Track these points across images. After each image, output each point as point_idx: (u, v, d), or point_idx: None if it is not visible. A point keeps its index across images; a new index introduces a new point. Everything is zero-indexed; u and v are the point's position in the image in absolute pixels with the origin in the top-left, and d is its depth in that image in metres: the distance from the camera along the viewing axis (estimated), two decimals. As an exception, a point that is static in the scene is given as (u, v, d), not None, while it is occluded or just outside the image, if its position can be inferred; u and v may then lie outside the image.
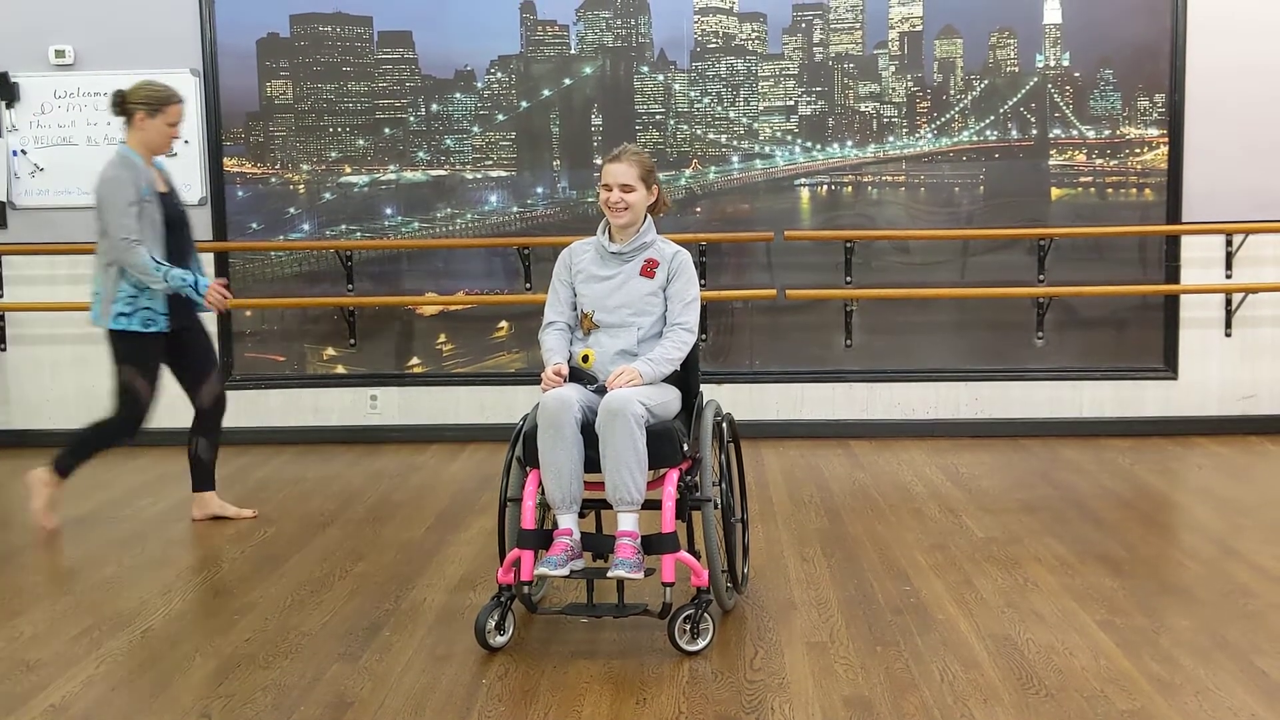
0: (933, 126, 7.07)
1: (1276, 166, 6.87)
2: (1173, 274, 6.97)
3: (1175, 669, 3.57)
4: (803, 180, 7.18)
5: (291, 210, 7.27)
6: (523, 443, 3.93)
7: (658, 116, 7.16)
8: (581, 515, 3.93)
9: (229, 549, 5.05)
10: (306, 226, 7.27)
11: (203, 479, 5.52)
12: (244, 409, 7.23)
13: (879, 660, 3.68)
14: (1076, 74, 6.98)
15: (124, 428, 5.23)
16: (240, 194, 7.24)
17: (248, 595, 4.44)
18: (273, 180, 7.26)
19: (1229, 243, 6.90)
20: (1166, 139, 6.94)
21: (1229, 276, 6.93)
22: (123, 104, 5.17)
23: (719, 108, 7.14)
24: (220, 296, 5.20)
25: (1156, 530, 5.17)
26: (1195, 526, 5.26)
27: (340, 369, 7.32)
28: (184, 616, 4.24)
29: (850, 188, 7.17)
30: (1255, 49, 6.82)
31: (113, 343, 5.18)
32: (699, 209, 7.17)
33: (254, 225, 7.26)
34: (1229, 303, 6.94)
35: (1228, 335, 6.98)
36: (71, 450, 5.29)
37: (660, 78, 7.13)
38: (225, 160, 7.21)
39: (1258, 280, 6.89)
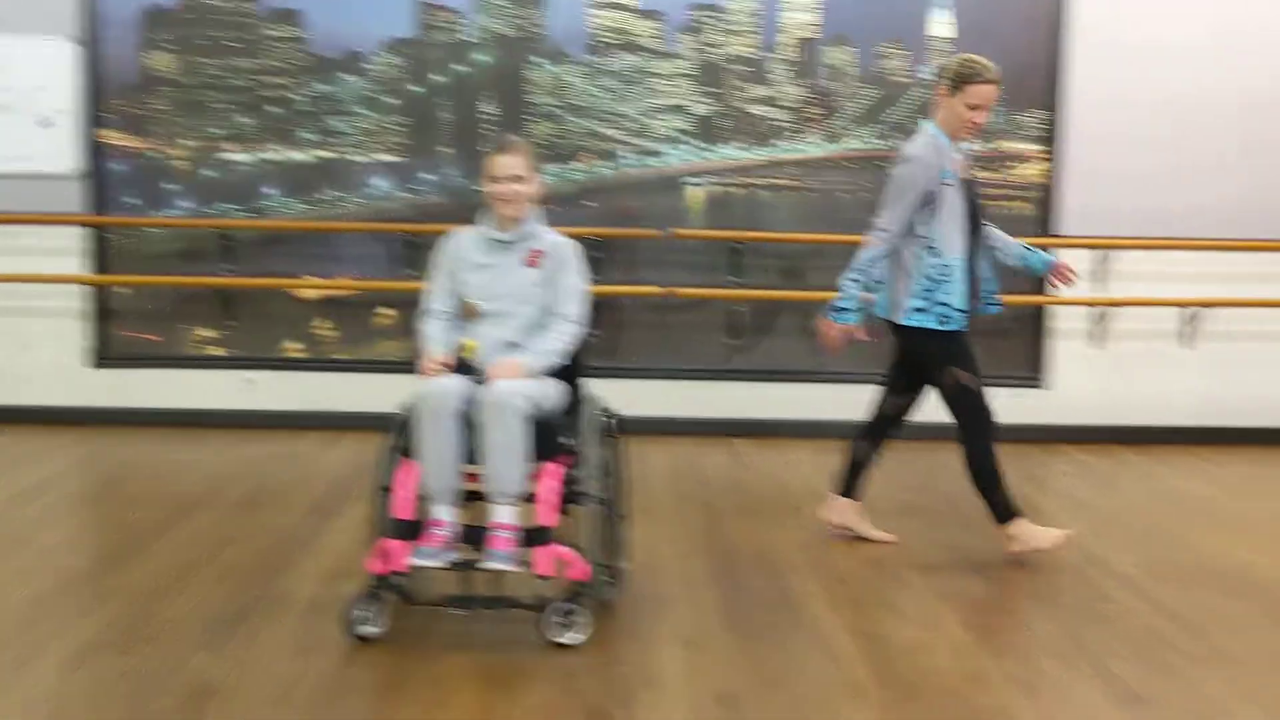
0: (821, 132, 7.17)
1: (1149, 185, 7.11)
2: (1044, 286, 7.17)
3: (1034, 669, 3.68)
4: (693, 179, 7.22)
5: (171, 186, 7.07)
6: (401, 432, 3.89)
7: (551, 109, 7.13)
8: (460, 506, 3.89)
9: (92, 532, 4.90)
10: (186, 203, 7.08)
11: (851, 485, 5.06)
12: (115, 389, 7.04)
13: (750, 656, 3.72)
14: (962, 87, 7.12)
15: (987, 422, 4.75)
16: (117, 168, 7.02)
17: (109, 580, 4.31)
18: (152, 155, 7.05)
19: (1100, 257, 7.13)
20: (1045, 154, 7.14)
21: (1099, 290, 7.16)
22: (943, 75, 4.64)
23: (613, 103, 7.14)
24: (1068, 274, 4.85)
25: (1022, 534, 5.31)
26: (1059, 532, 5.42)
27: (216, 351, 7.15)
28: (40, 601, 4.09)
29: (739, 189, 7.24)
30: (1134, 73, 7.04)
31: (913, 341, 4.77)
32: (590, 204, 7.16)
33: (131, 200, 7.05)
34: (1097, 315, 7.17)
35: (1096, 347, 7.21)
36: (985, 491, 4.74)
37: (554, 69, 7.10)
38: (102, 132, 6.99)
39: (1127, 295, 7.13)
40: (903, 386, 5.00)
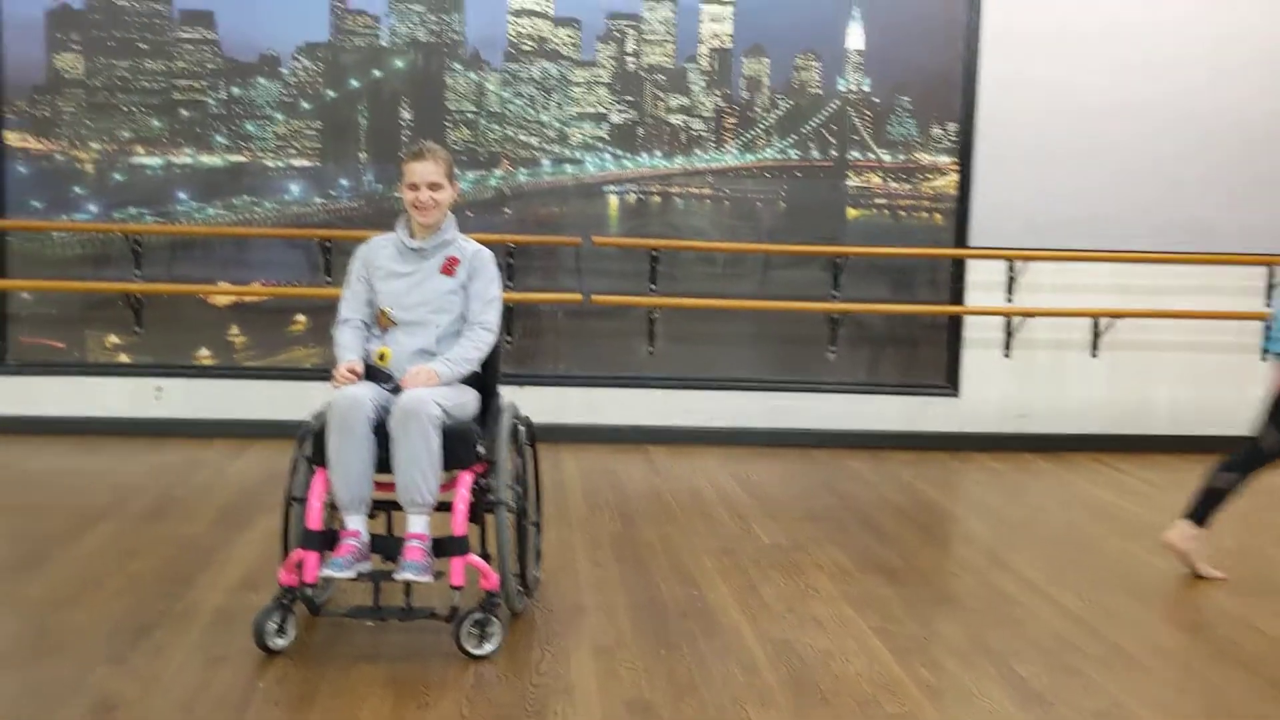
0: (738, 142, 7.23)
1: (1057, 198, 7.27)
2: (958, 296, 7.30)
3: (942, 674, 3.74)
4: (612, 187, 7.24)
5: (77, 189, 6.93)
6: (312, 441, 3.84)
7: (469, 115, 7.10)
8: (371, 516, 3.86)
9: (-9, 544, 4.77)
10: (93, 207, 6.94)
11: (1205, 512, 4.78)
12: (18, 397, 6.87)
13: (663, 664, 3.73)
14: (875, 99, 7.24)
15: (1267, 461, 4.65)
16: (22, 170, 6.87)
17: (9, 591, 4.20)
18: (58, 157, 6.91)
19: (1010, 268, 7.27)
20: (957, 166, 7.27)
21: (1009, 300, 7.30)
22: None
23: (531, 110, 7.14)
24: None
25: (932, 541, 5.41)
26: (968, 538, 5.52)
27: (123, 358, 7.01)
28: (-64, 615, 3.99)
29: (658, 197, 7.27)
30: (1043, 87, 7.20)
31: None
32: (508, 210, 7.15)
33: (35, 203, 6.89)
34: (1009, 325, 7.31)
35: (1006, 356, 7.35)
36: (1209, 495, 4.72)
37: (473, 76, 7.08)
38: (6, 134, 6.82)
39: (1035, 305, 7.28)
40: None
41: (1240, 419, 7.42)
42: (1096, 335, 7.32)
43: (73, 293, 6.93)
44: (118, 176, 6.96)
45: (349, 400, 3.74)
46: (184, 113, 6.96)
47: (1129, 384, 7.44)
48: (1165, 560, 4.97)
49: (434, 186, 4.01)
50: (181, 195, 6.99)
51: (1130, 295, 7.33)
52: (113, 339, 7.00)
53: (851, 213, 7.30)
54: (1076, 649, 3.97)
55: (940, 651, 3.93)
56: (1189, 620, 4.34)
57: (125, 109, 6.94)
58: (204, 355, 7.05)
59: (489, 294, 4.07)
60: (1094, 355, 7.36)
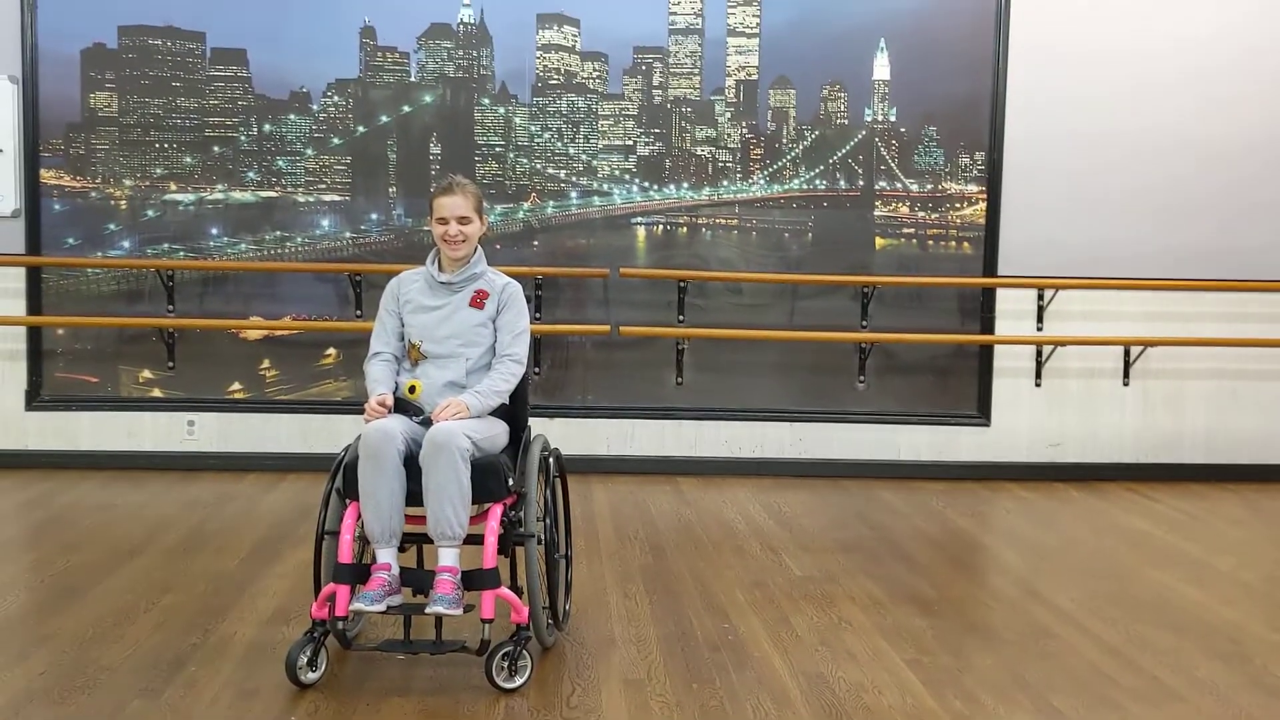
0: (765, 173, 7.25)
1: (1086, 225, 7.24)
2: (987, 325, 7.27)
3: (976, 707, 3.70)
4: (639, 219, 7.26)
5: (112, 226, 7.01)
6: (343, 474, 3.85)
7: (497, 148, 7.15)
8: (402, 549, 3.87)
9: (28, 577, 4.80)
10: (127, 243, 7.02)
11: None
12: (53, 431, 6.94)
13: (694, 697, 3.72)
14: (902, 129, 7.25)
15: None
16: (57, 207, 6.96)
17: (45, 626, 4.23)
18: (93, 194, 6.99)
19: (1040, 296, 7.24)
20: (985, 195, 7.25)
21: (1040, 329, 7.26)
22: None
23: (559, 143, 7.18)
24: None
25: (965, 572, 5.37)
26: (1001, 568, 5.47)
27: (156, 392, 7.06)
28: (-28, 649, 4.01)
29: (685, 228, 7.29)
30: (1070, 114, 7.19)
31: None
32: (536, 243, 7.18)
33: (71, 240, 6.98)
34: (1039, 354, 7.28)
35: (1037, 385, 7.31)
36: None
37: (501, 110, 7.14)
38: (42, 172, 6.92)
39: (1065, 333, 7.24)
40: None
41: (1274, 447, 7.39)
42: (1128, 363, 7.28)
43: (106, 328, 7.00)
44: (150, 213, 7.04)
45: (380, 433, 3.76)
46: (216, 149, 7.04)
47: (1161, 412, 7.38)
48: (1201, 590, 4.91)
49: (462, 220, 4.04)
50: (213, 231, 7.07)
51: (1161, 323, 7.28)
52: (146, 373, 7.06)
53: (879, 242, 7.29)
54: (1113, 681, 3.93)
55: (975, 684, 3.89)
56: (1226, 651, 4.28)
57: (158, 146, 7.02)
58: (236, 389, 7.10)
59: (518, 326, 4.09)
60: (1125, 383, 7.31)
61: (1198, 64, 7.23)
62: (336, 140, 7.08)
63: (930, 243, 7.31)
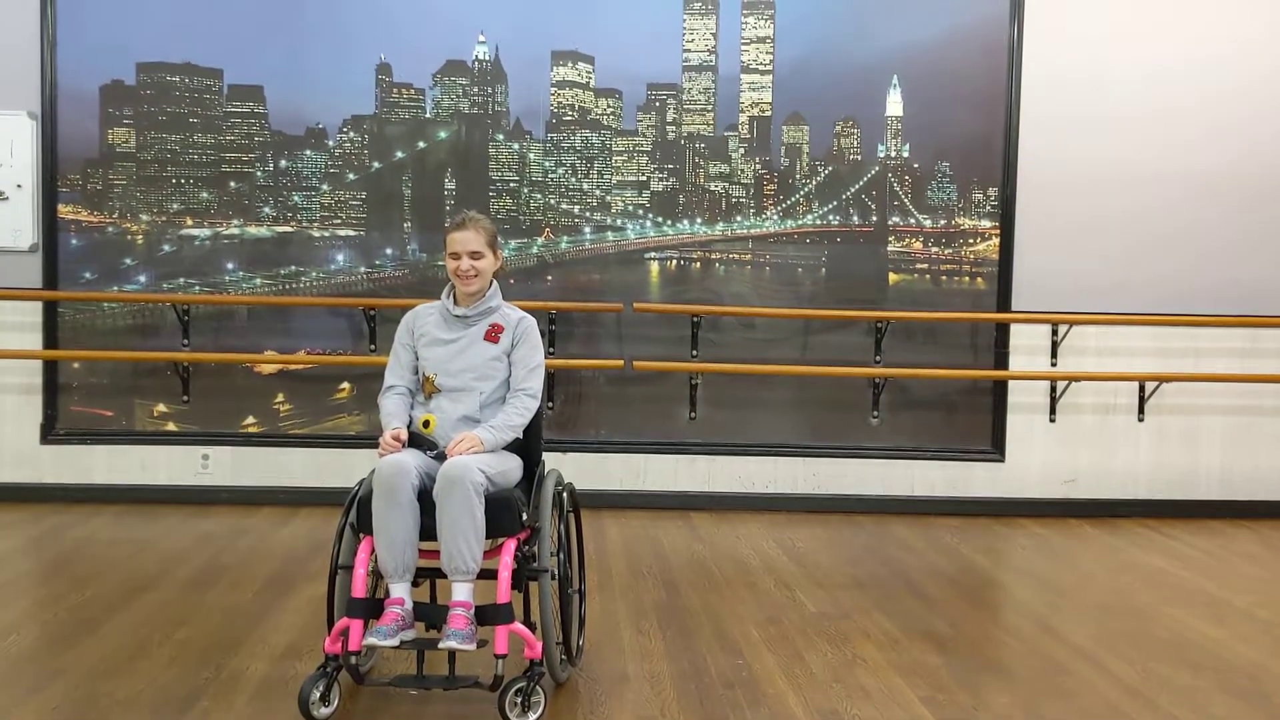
0: (779, 208, 7.27)
1: (1100, 262, 7.25)
2: (1001, 360, 7.26)
3: (993, 745, 3.67)
4: (653, 254, 7.29)
5: (128, 261, 7.06)
6: (357, 508, 3.85)
7: (512, 184, 7.19)
8: (415, 584, 3.86)
9: (40, 611, 4.80)
10: (143, 278, 7.06)
11: None
12: (67, 465, 6.96)
13: (708, 735, 3.69)
14: (915, 165, 7.27)
15: None
16: (74, 242, 7.01)
17: (58, 660, 4.22)
18: (109, 229, 7.04)
19: (1054, 332, 7.23)
20: (998, 230, 7.26)
21: (1054, 364, 7.25)
22: None
23: (573, 179, 7.22)
24: None
25: (980, 608, 5.33)
26: (1016, 605, 5.44)
27: (171, 426, 7.09)
28: (-14, 683, 4.01)
29: (698, 263, 7.30)
30: (1083, 150, 7.21)
31: None
32: (550, 277, 7.21)
33: (87, 274, 7.03)
34: (1053, 389, 7.26)
35: (1052, 421, 7.29)
36: None
37: (515, 146, 7.18)
38: (60, 207, 6.98)
39: (1080, 369, 7.22)
40: None
41: (1292, 484, 7.36)
42: (1142, 399, 7.26)
43: (121, 362, 7.03)
44: (167, 248, 7.08)
45: (394, 468, 3.76)
46: (232, 184, 7.09)
47: (1176, 448, 7.35)
48: (1218, 627, 4.88)
49: (475, 255, 4.06)
50: (229, 265, 7.11)
51: (1175, 358, 7.26)
52: (161, 407, 7.08)
53: (893, 277, 7.30)
54: (1130, 720, 3.90)
55: (990, 722, 3.86)
56: (1244, 689, 4.24)
57: (175, 181, 7.08)
58: (250, 423, 7.11)
59: (532, 361, 4.10)
60: (1140, 419, 7.29)
61: (1213, 103, 7.25)
62: (352, 176, 7.13)
63: (944, 278, 7.31)
